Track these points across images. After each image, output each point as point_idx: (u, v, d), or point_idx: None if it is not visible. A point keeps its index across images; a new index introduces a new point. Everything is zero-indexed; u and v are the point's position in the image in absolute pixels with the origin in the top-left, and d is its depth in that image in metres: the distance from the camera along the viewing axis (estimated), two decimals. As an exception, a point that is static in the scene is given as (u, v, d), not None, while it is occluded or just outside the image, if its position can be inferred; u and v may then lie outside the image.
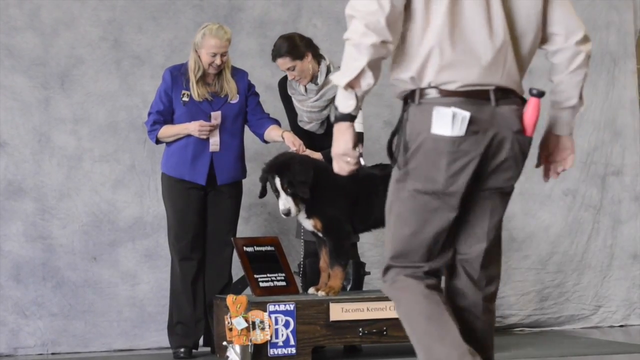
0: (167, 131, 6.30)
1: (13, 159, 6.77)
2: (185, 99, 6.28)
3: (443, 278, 3.51)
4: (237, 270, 6.40)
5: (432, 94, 3.26)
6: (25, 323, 6.71)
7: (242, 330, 5.74)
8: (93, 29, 6.91)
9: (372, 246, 7.21)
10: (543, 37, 3.44)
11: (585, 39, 3.46)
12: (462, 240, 3.42)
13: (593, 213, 7.61)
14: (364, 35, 3.22)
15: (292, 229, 6.77)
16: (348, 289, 6.41)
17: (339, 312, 5.94)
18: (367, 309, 6.01)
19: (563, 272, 7.54)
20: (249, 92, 6.40)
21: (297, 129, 6.33)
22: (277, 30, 6.93)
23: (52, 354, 6.71)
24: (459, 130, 3.23)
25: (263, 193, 6.01)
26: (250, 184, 6.73)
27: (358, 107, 3.27)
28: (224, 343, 5.84)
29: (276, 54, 6.18)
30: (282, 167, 5.87)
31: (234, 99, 6.33)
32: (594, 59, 7.65)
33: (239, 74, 6.37)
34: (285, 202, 5.81)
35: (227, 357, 5.78)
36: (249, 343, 5.77)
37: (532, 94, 3.36)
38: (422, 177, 3.28)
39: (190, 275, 6.30)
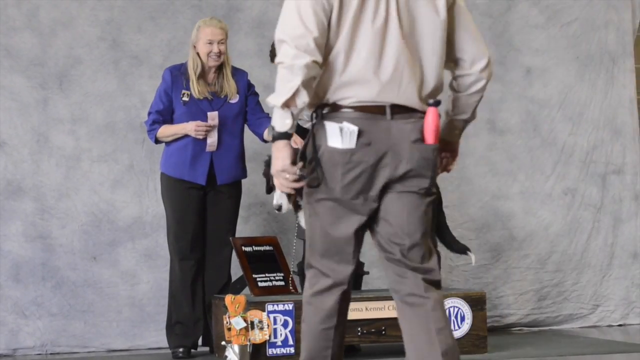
0: (166, 131, 6.30)
1: (12, 159, 6.77)
2: (185, 98, 6.28)
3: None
4: (236, 270, 6.40)
5: (331, 109, 3.59)
6: (25, 323, 6.71)
7: (240, 330, 5.75)
8: (91, 29, 6.91)
9: (372, 245, 7.17)
10: (450, 61, 3.71)
11: (487, 66, 3.72)
12: (385, 241, 3.69)
13: (593, 212, 7.61)
14: (295, 57, 3.49)
15: (291, 229, 6.78)
16: (347, 288, 6.42)
17: (337, 311, 5.94)
18: (366, 309, 6.01)
19: (562, 272, 7.54)
20: (248, 91, 6.40)
21: (296, 128, 6.33)
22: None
23: (52, 353, 6.71)
24: (349, 143, 3.55)
25: (269, 189, 6.02)
26: (250, 183, 6.73)
27: (294, 126, 3.57)
28: (223, 343, 5.84)
29: (274, 55, 6.17)
30: None
31: (234, 98, 6.34)
32: (593, 58, 7.66)
33: (239, 74, 6.37)
34: (278, 197, 5.82)
35: (226, 356, 5.78)
36: (248, 343, 5.77)
37: (429, 104, 3.62)
38: (323, 186, 3.60)
39: (189, 275, 6.30)
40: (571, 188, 7.59)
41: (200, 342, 6.43)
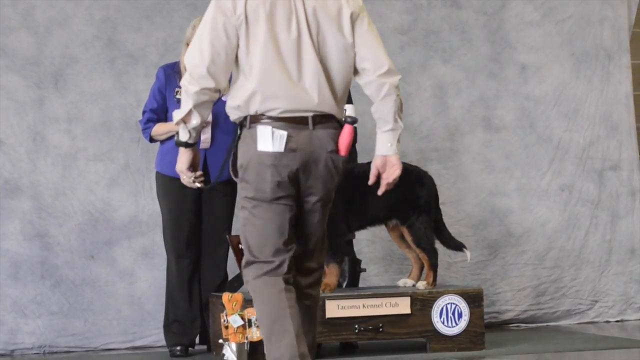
0: (160, 129, 6.30)
1: (9, 158, 6.77)
2: (179, 96, 6.27)
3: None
4: (233, 268, 6.40)
5: (259, 119, 4.01)
6: (24, 322, 6.70)
7: (238, 328, 5.74)
8: (87, 28, 6.90)
9: (369, 242, 7.22)
10: (356, 72, 4.16)
11: (389, 72, 4.13)
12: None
13: (590, 208, 7.61)
14: (189, 83, 4.05)
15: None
16: (344, 286, 6.42)
17: (334, 309, 5.94)
18: (363, 306, 6.01)
19: (560, 268, 7.55)
20: (242, 89, 6.40)
21: None
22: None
23: (51, 352, 6.70)
24: (279, 146, 3.97)
25: None
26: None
27: (192, 137, 4.13)
28: (220, 341, 5.84)
29: None
30: None
31: (227, 94, 6.32)
32: (588, 55, 7.66)
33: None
34: None
35: (224, 355, 5.78)
36: (245, 341, 5.76)
37: (346, 122, 4.09)
38: (253, 187, 4.02)
39: (185, 273, 6.30)
40: (568, 184, 7.60)
41: (197, 340, 6.43)
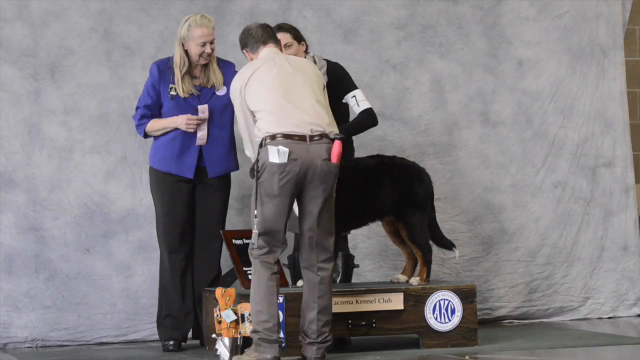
0: (155, 125, 6.30)
1: (3, 151, 6.76)
2: (173, 92, 6.27)
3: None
4: (227, 263, 6.41)
5: (271, 138, 5.54)
6: (17, 316, 6.70)
7: (231, 322, 5.74)
8: (83, 20, 6.89)
9: (365, 238, 7.21)
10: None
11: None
12: (302, 226, 5.69)
13: (583, 205, 7.61)
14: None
15: (284, 221, 6.78)
16: (337, 281, 6.42)
17: (327, 304, 5.94)
18: (356, 302, 6.01)
19: (552, 264, 7.55)
20: (237, 84, 6.39)
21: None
22: (268, 22, 6.89)
23: (44, 346, 6.71)
24: (283, 159, 5.50)
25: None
26: (243, 175, 6.72)
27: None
28: (213, 336, 5.84)
29: (278, 28, 6.22)
30: None
31: (221, 89, 6.33)
32: (584, 51, 7.66)
33: (225, 66, 6.37)
34: None
35: (216, 349, 5.78)
36: (238, 336, 5.76)
37: (336, 138, 5.61)
38: (266, 186, 5.54)
39: (179, 268, 6.31)
40: (561, 181, 7.59)
41: (190, 335, 6.44)
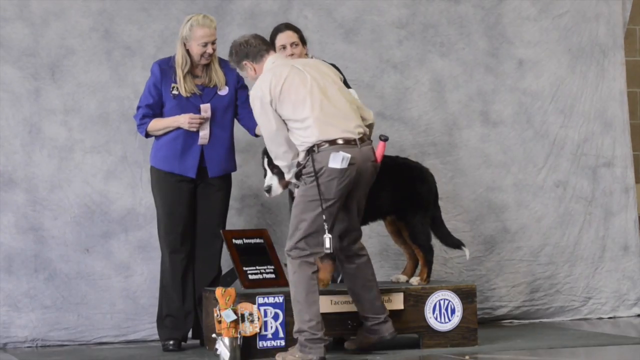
0: (157, 124, 6.29)
1: (3, 150, 6.76)
2: (175, 92, 6.27)
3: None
4: (227, 263, 6.40)
5: (329, 144, 5.60)
6: (17, 315, 6.70)
7: (231, 322, 5.75)
8: (83, 20, 6.90)
9: (366, 237, 7.18)
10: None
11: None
12: (346, 228, 5.82)
13: (584, 205, 7.60)
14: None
15: (285, 221, 6.78)
16: (338, 281, 6.42)
17: (327, 304, 5.94)
18: (357, 302, 6.00)
19: (554, 264, 7.54)
20: (238, 84, 6.40)
21: None
22: (268, 22, 6.92)
23: (44, 346, 6.71)
24: (346, 164, 5.59)
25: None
26: (244, 175, 6.73)
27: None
28: (213, 335, 5.84)
29: (284, 27, 6.23)
30: None
31: (223, 89, 6.33)
32: (584, 51, 7.66)
33: (227, 66, 6.36)
34: (268, 179, 5.85)
35: (216, 349, 5.78)
36: (238, 335, 5.77)
37: (381, 139, 5.97)
38: (323, 190, 5.59)
39: (179, 268, 6.30)
40: (562, 181, 7.59)
41: (190, 334, 6.44)
